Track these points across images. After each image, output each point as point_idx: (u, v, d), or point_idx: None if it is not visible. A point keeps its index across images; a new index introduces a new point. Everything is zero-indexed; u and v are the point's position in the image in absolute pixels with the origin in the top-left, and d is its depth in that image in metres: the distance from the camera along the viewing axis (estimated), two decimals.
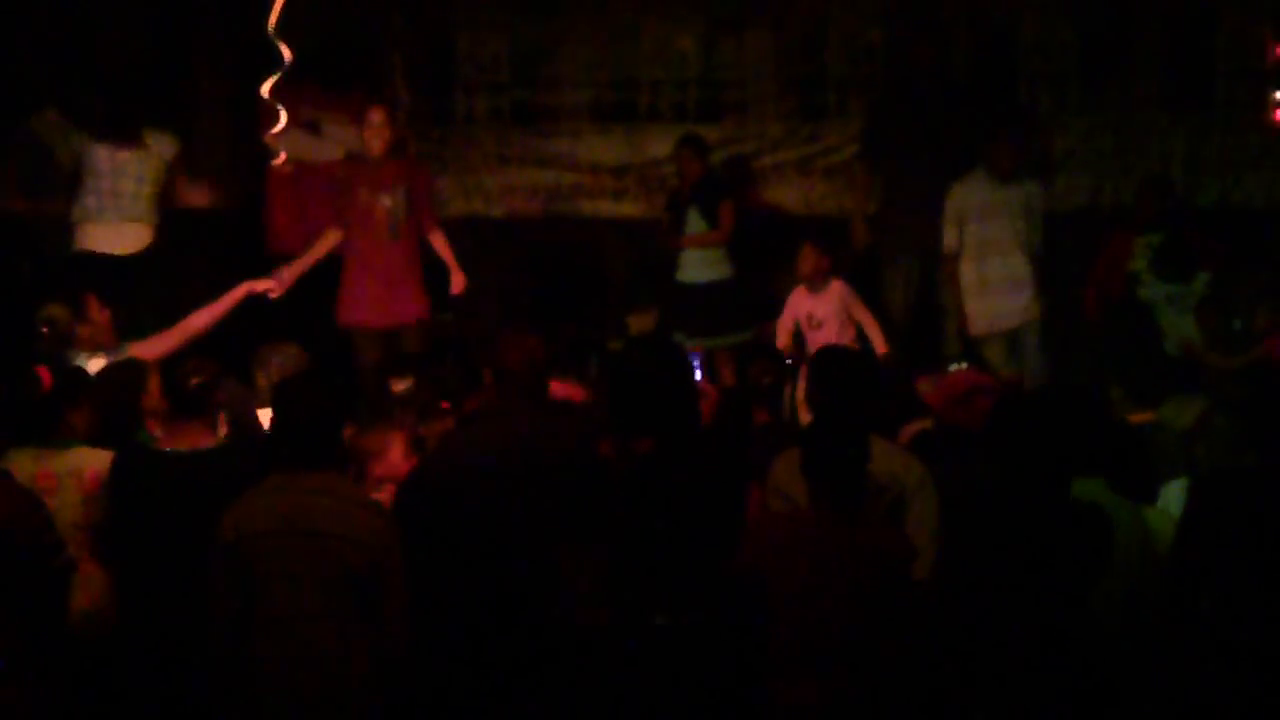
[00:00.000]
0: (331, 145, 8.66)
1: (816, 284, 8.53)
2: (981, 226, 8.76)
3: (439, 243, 8.56)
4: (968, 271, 8.84)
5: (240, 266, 8.74)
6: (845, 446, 4.68)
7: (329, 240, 8.42)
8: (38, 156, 8.52)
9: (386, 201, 8.30)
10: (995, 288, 8.79)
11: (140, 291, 8.05)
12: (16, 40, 9.16)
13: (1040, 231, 8.82)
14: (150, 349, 6.36)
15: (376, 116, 8.33)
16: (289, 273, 7.91)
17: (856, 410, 5.16)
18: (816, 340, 8.45)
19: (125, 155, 8.38)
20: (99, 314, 6.75)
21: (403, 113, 9.56)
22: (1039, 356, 8.73)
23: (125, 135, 8.38)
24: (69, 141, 8.42)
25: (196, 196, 8.97)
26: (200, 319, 6.57)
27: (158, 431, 5.56)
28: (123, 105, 8.48)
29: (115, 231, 8.43)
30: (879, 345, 8.40)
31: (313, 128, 8.44)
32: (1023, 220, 8.75)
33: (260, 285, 6.89)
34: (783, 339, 8.61)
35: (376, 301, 8.37)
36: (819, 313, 8.53)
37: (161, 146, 8.49)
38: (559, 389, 6.82)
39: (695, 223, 9.26)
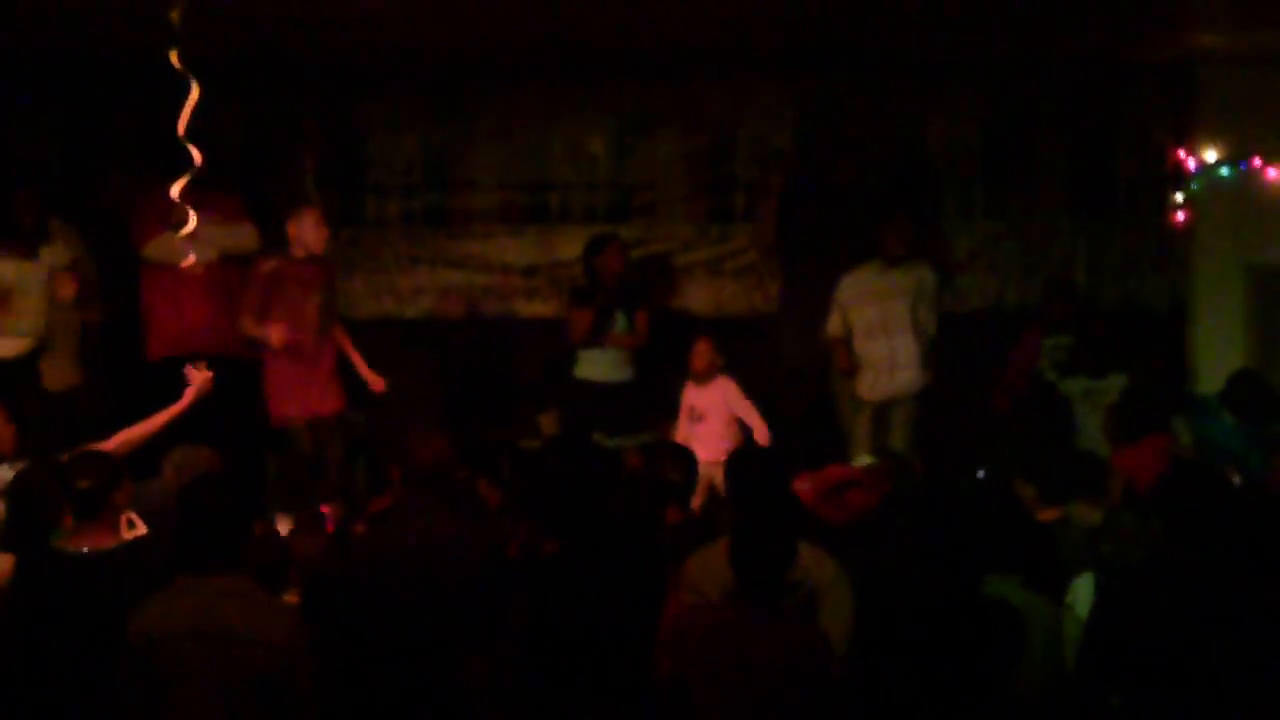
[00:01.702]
0: (204, 247, 8.62)
1: (704, 378, 8.65)
2: (868, 309, 9.01)
3: (344, 341, 8.72)
4: (856, 350, 9.03)
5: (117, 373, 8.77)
6: (771, 542, 4.69)
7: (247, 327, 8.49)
8: None
9: (317, 299, 8.40)
10: (876, 365, 8.99)
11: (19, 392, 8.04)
12: None
13: (933, 314, 9.09)
14: None
15: (311, 217, 8.47)
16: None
17: (777, 506, 5.18)
18: (696, 433, 8.51)
19: (27, 267, 8.35)
20: (4, 427, 6.69)
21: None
22: (904, 431, 8.93)
23: (22, 249, 8.36)
24: None
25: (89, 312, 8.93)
26: (134, 433, 6.47)
27: None
28: (41, 215, 8.47)
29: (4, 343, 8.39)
30: (762, 440, 8.51)
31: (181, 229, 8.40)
32: (912, 303, 8.99)
33: (199, 385, 6.81)
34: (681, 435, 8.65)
35: (308, 394, 8.39)
36: (700, 405, 8.64)
37: (54, 257, 8.47)
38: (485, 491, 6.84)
39: (620, 322, 9.27)
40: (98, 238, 9.22)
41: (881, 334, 8.98)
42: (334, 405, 8.54)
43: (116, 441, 6.36)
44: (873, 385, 9.04)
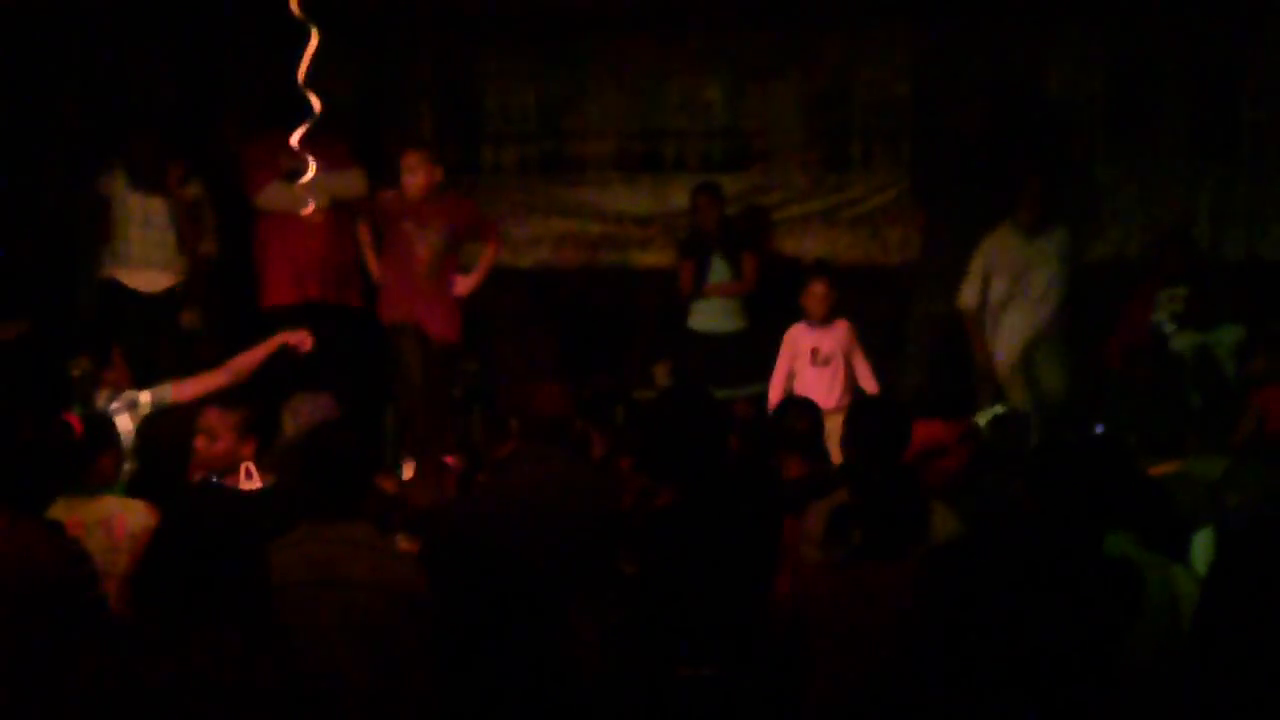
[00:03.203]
0: (315, 194, 8.71)
1: (825, 320, 8.50)
2: (1009, 280, 8.76)
3: (487, 253, 8.49)
4: (995, 323, 8.85)
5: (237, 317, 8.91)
6: (897, 491, 4.67)
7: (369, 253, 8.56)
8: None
9: (430, 238, 8.22)
10: (1018, 336, 8.79)
11: (156, 329, 8.23)
12: (57, 95, 9.28)
13: (1068, 277, 8.84)
14: (192, 389, 6.39)
15: (412, 159, 8.23)
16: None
17: (898, 457, 5.17)
18: (822, 377, 8.40)
19: (155, 202, 8.53)
20: (118, 358, 6.86)
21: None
22: (1054, 373, 8.75)
23: (157, 182, 8.52)
24: (107, 186, 8.57)
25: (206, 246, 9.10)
26: (243, 362, 6.59)
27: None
28: (159, 153, 8.61)
29: (136, 275, 8.57)
30: (870, 388, 8.44)
31: (293, 177, 8.48)
32: (1053, 270, 8.77)
33: (293, 337, 6.91)
34: (779, 389, 8.55)
35: (415, 303, 8.24)
36: (825, 348, 8.48)
37: (185, 192, 8.64)
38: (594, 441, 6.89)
39: (720, 271, 9.30)
40: (214, 183, 9.36)
41: (1019, 306, 8.75)
42: (443, 330, 8.26)
43: (228, 373, 6.49)
44: (1010, 353, 8.82)
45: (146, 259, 8.58)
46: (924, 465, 5.72)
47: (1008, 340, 8.85)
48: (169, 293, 8.71)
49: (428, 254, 8.20)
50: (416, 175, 8.17)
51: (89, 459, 5.33)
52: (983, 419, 7.09)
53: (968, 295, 8.88)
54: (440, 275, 8.27)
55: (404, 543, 5.70)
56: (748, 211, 10.10)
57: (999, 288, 8.81)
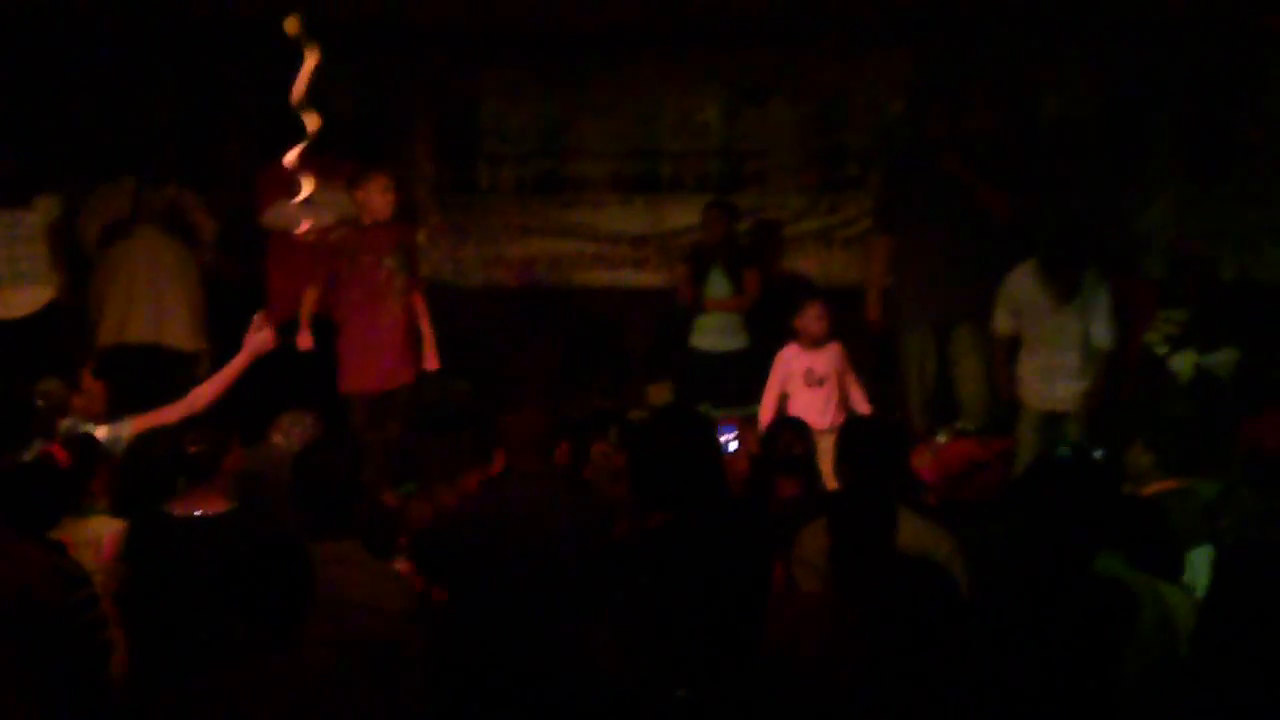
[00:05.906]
0: (323, 212, 8.68)
1: (820, 341, 8.48)
2: (1029, 320, 8.36)
3: (420, 307, 8.46)
4: (1021, 357, 8.49)
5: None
6: (872, 515, 4.65)
7: (310, 299, 8.46)
8: None
9: (390, 263, 8.26)
10: (1042, 375, 8.42)
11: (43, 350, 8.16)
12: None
13: (1106, 323, 8.26)
14: (150, 422, 6.26)
15: (381, 182, 8.29)
16: (304, 338, 8.28)
17: (885, 479, 5.15)
18: (816, 398, 8.38)
19: (23, 215, 8.46)
20: (92, 384, 6.80)
21: (426, 182, 9.63)
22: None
23: (15, 198, 8.47)
24: None
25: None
26: (205, 392, 6.45)
27: None
28: (13, 167, 8.58)
29: (15, 294, 8.49)
30: (862, 410, 8.36)
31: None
32: (1074, 319, 8.25)
33: (257, 342, 6.70)
34: (769, 412, 8.46)
35: (377, 367, 8.30)
36: (819, 369, 8.46)
37: (49, 207, 8.57)
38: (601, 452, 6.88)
39: (718, 284, 9.31)
40: (217, 203, 9.35)
41: (1042, 347, 8.35)
42: (402, 379, 8.31)
43: (185, 406, 6.36)
44: (1034, 395, 8.45)
45: (18, 274, 8.49)
46: (966, 480, 5.75)
47: (1027, 382, 8.49)
48: (50, 309, 8.60)
49: (389, 278, 8.21)
50: (388, 197, 8.23)
51: (84, 481, 5.33)
52: (944, 436, 7.10)
53: (997, 322, 8.52)
54: (407, 303, 8.32)
55: (402, 564, 5.69)
56: (757, 228, 10.11)
57: (1021, 325, 8.44)
